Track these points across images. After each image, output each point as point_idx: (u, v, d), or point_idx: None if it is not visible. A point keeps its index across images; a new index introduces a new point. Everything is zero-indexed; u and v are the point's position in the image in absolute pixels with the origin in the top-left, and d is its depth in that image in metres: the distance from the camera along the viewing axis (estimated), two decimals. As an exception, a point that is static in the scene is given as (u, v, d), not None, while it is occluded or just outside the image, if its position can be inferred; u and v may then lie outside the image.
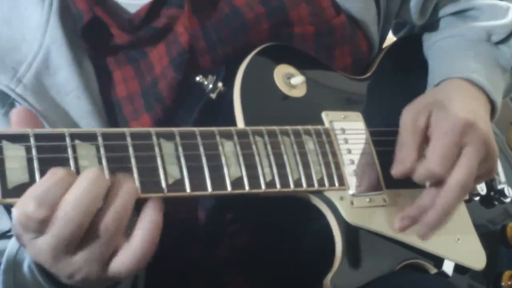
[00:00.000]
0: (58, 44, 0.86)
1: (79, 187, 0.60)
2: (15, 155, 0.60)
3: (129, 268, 0.65)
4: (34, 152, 0.61)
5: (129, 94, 0.89)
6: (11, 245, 0.78)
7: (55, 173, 0.60)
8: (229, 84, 0.83)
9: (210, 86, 0.84)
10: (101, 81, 0.88)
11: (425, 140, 0.86)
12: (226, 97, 0.83)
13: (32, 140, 0.62)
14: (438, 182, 0.83)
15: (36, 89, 0.84)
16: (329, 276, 0.78)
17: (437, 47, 1.04)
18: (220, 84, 0.84)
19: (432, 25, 1.09)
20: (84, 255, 0.63)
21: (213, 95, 0.84)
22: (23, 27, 0.87)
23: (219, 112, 0.84)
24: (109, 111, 0.89)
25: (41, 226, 0.60)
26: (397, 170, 0.84)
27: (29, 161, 0.61)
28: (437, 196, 0.83)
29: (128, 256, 0.64)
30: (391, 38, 1.13)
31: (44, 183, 0.60)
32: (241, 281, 0.92)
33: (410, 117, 0.87)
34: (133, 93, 0.89)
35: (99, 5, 0.87)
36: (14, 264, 0.75)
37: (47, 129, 0.64)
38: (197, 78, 0.85)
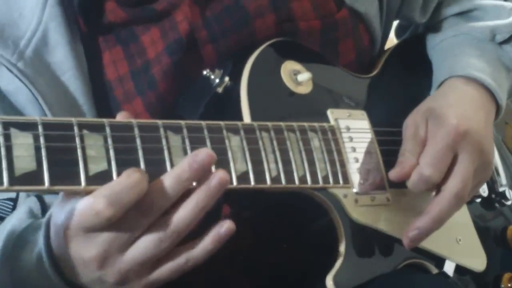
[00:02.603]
0: (57, 21, 0.85)
1: (150, 196, 0.62)
2: (23, 142, 0.60)
3: (171, 277, 0.67)
4: (42, 140, 0.61)
5: (119, 76, 0.88)
6: (12, 225, 0.76)
7: (131, 176, 0.62)
8: (236, 79, 0.83)
9: (217, 80, 0.84)
10: (91, 63, 0.88)
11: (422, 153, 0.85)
12: (232, 91, 0.83)
13: (40, 128, 0.61)
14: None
15: (36, 65, 0.83)
16: (332, 274, 0.78)
17: (440, 47, 1.04)
18: (227, 79, 0.84)
19: (435, 26, 1.09)
20: (136, 255, 0.64)
21: (220, 89, 0.84)
22: (21, 2, 0.86)
23: (225, 106, 0.84)
24: (99, 93, 0.88)
25: (104, 223, 0.61)
26: (394, 172, 0.84)
27: (37, 149, 0.60)
28: (431, 204, 0.83)
29: (179, 263, 0.66)
30: (391, 39, 1.13)
31: (116, 185, 0.61)
32: (243, 279, 0.91)
33: (410, 128, 0.87)
34: (122, 76, 0.88)
35: None
36: (16, 245, 0.74)
37: (56, 118, 0.64)
38: (204, 72, 0.84)
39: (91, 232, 0.63)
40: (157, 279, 0.67)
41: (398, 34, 1.22)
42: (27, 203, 0.83)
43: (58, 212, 0.65)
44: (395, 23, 1.18)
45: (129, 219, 0.63)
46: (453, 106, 0.88)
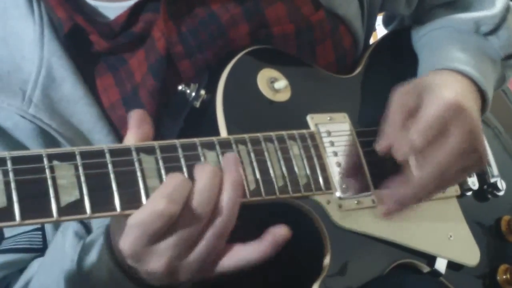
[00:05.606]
0: (57, 55, 0.86)
1: (200, 184, 0.68)
2: (-8, 179, 0.61)
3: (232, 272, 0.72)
4: (11, 175, 0.61)
5: (111, 104, 0.89)
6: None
7: (175, 177, 0.67)
8: (212, 92, 0.83)
9: (193, 94, 0.84)
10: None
11: (413, 120, 0.82)
12: (209, 105, 0.82)
13: (9, 163, 0.62)
14: None
15: (47, 105, 0.85)
16: (318, 282, 0.78)
17: (425, 40, 1.03)
18: (203, 92, 0.83)
19: (421, 17, 1.07)
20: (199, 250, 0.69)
21: (197, 104, 0.83)
22: (20, 44, 0.87)
23: (203, 120, 0.84)
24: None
25: (167, 223, 0.65)
26: (380, 143, 0.82)
27: (7, 184, 0.61)
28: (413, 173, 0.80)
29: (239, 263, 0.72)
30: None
31: (168, 185, 0.66)
32: None
33: (398, 97, 0.84)
34: (115, 103, 0.89)
35: (78, 12, 0.87)
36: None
37: (25, 151, 0.64)
38: (180, 87, 0.84)
39: (153, 243, 0.67)
40: (219, 272, 0.72)
41: (385, 23, 1.20)
42: (70, 227, 0.83)
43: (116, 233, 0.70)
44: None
45: (184, 220, 0.67)
46: (447, 85, 0.86)
